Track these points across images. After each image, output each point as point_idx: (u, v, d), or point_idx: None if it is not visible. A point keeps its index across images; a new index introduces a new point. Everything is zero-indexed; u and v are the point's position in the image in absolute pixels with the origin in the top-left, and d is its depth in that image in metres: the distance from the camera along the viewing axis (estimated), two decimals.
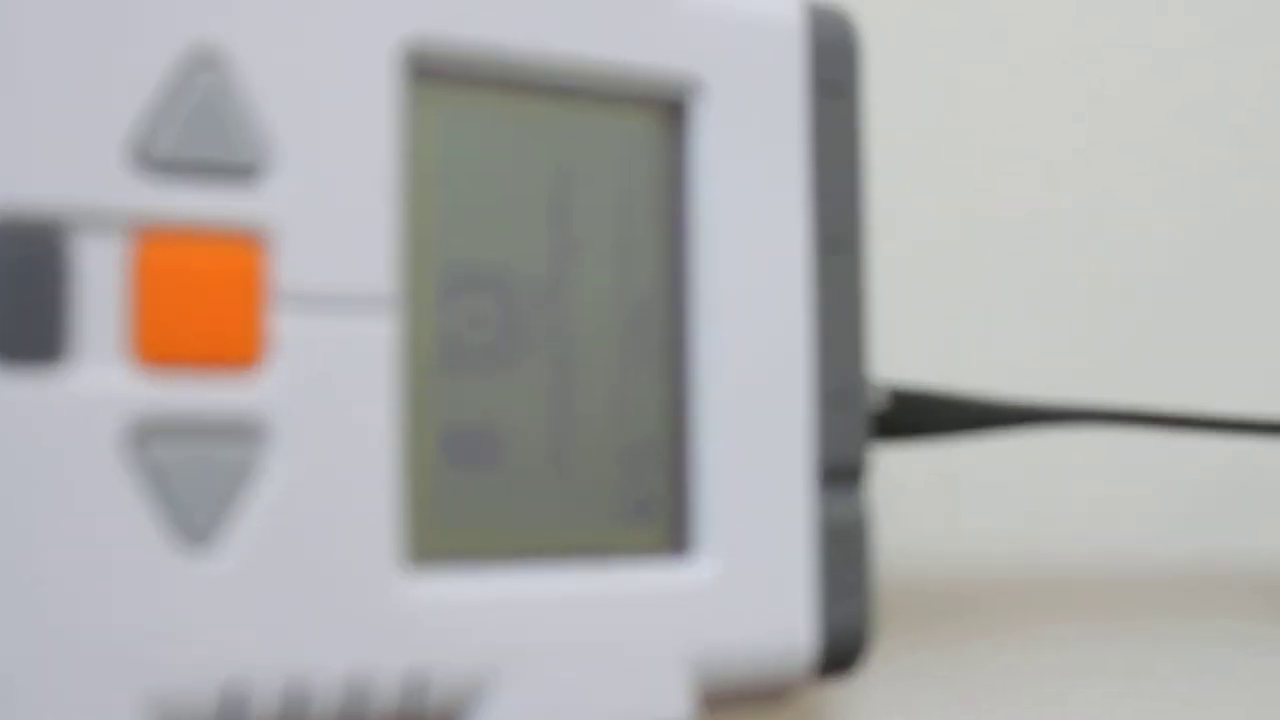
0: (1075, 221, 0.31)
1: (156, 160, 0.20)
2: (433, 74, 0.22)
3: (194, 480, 0.20)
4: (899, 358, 0.29)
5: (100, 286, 0.20)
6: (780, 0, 0.24)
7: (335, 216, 0.21)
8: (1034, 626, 0.30)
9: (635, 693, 0.22)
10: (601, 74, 0.23)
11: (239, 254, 0.20)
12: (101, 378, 0.19)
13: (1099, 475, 0.31)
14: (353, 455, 0.21)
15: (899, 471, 0.30)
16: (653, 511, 0.23)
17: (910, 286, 0.30)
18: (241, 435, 0.20)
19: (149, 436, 0.20)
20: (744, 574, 0.23)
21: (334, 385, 0.21)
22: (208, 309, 0.20)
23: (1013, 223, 0.31)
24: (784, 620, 0.24)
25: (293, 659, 0.20)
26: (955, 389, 0.26)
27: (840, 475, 0.25)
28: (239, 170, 0.20)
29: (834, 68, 0.25)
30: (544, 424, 0.23)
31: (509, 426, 0.22)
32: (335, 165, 0.21)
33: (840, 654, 0.24)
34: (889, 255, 0.29)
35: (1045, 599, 0.31)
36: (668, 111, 0.24)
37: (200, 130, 0.20)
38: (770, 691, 0.24)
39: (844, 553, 0.24)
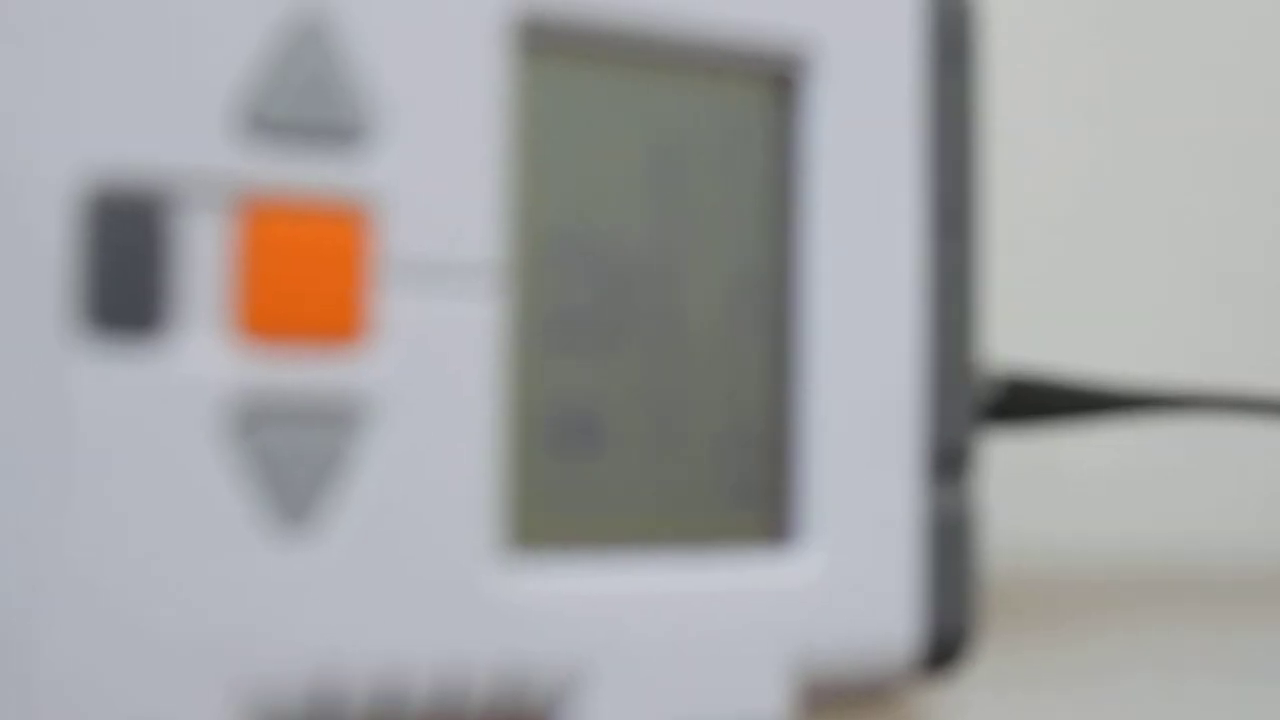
0: (1202, 206, 0.30)
1: (261, 126, 0.19)
2: (541, 42, 0.21)
3: (294, 462, 0.19)
4: (1016, 339, 0.28)
5: (202, 258, 0.19)
6: None
7: (443, 186, 0.20)
8: (1145, 627, 0.30)
9: (733, 689, 0.22)
10: (713, 44, 0.22)
11: (345, 226, 0.19)
12: (202, 354, 0.19)
13: (1219, 466, 0.30)
14: (455, 438, 0.20)
15: (1012, 461, 0.29)
16: (755, 499, 0.22)
17: (1029, 266, 0.29)
18: (344, 415, 0.19)
19: (249, 415, 0.19)
20: (846, 566, 0.23)
21: (440, 364, 0.20)
22: (312, 283, 0.19)
23: (1136, 203, 0.30)
24: (886, 615, 0.23)
25: (388, 648, 0.19)
26: (1069, 373, 0.25)
27: (948, 464, 0.24)
28: (346, 138, 0.19)
29: (952, 37, 0.24)
30: (646, 406, 0.22)
31: (611, 409, 0.21)
32: (443, 134, 0.20)
33: (943, 652, 0.23)
34: (1008, 234, 0.28)
35: (1158, 598, 0.30)
36: (779, 82, 0.23)
37: (306, 96, 0.19)
38: (870, 689, 0.23)
39: (949, 545, 0.23)
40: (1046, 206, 0.29)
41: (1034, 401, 0.25)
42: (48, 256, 0.18)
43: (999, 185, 0.29)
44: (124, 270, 0.18)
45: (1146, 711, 0.29)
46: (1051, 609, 0.29)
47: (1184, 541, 0.30)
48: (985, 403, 0.25)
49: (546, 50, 0.21)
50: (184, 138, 0.18)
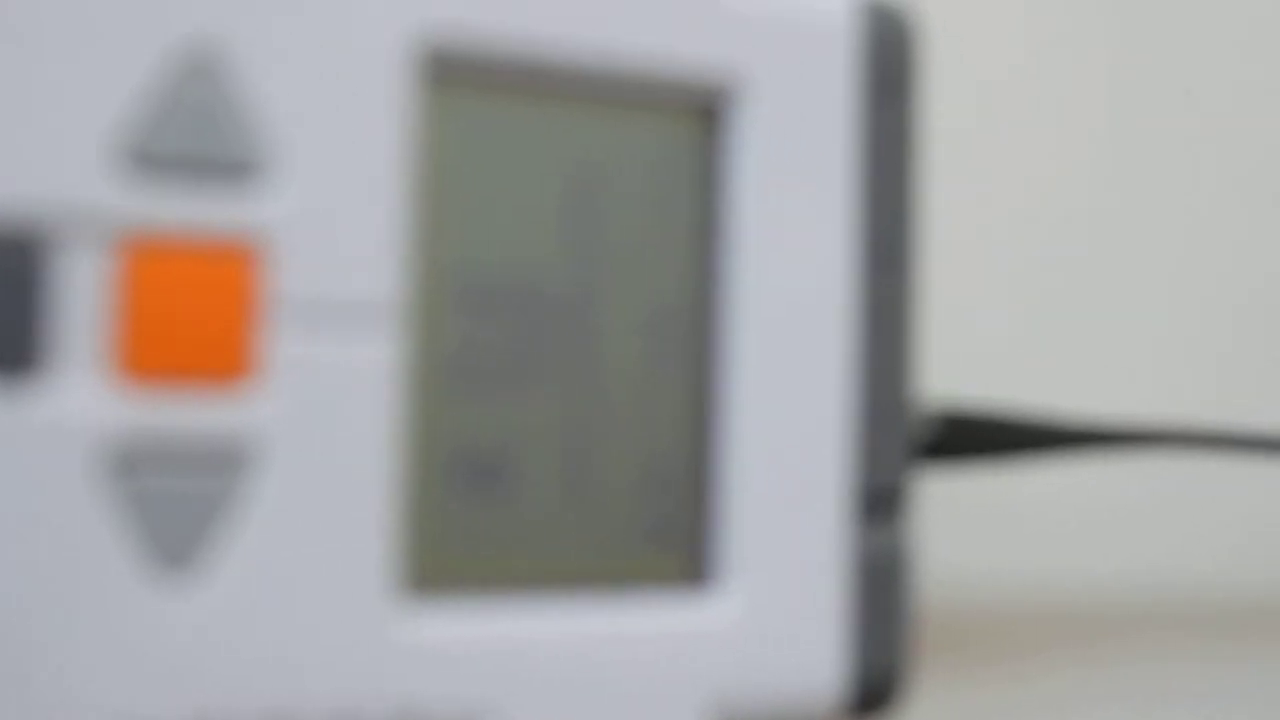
0: (1161, 232, 0.30)
1: (144, 162, 0.18)
2: (449, 73, 0.20)
3: (175, 506, 0.19)
4: (958, 374, 0.28)
5: (81, 297, 0.18)
6: None
7: (340, 224, 0.19)
8: (1100, 662, 0.29)
9: None
10: (632, 76, 0.21)
11: (232, 264, 0.19)
12: (79, 396, 0.18)
13: (1175, 501, 0.29)
14: (348, 481, 0.19)
15: (956, 496, 0.28)
16: (673, 540, 0.22)
17: (975, 298, 0.28)
18: (229, 458, 0.19)
19: (129, 457, 0.18)
20: (767, 608, 0.22)
21: (332, 405, 0.19)
22: (197, 323, 0.19)
23: (1089, 233, 0.29)
24: (810, 658, 0.22)
25: (279, 694, 0.19)
26: (1012, 407, 0.25)
27: (879, 503, 0.23)
28: (233, 173, 0.19)
29: (888, 70, 0.23)
30: (560, 447, 0.21)
31: (522, 450, 0.21)
32: (341, 170, 0.19)
33: (873, 695, 0.23)
34: (952, 265, 0.28)
35: (1114, 633, 0.29)
36: (702, 116, 0.22)
37: (192, 130, 0.19)
38: None
39: (879, 586, 0.23)
40: (1016, 240, 0.29)
41: (975, 438, 0.24)
42: None
43: (965, 212, 0.28)
44: None
45: None
46: (1006, 645, 0.28)
47: (1141, 577, 0.30)
48: (921, 440, 0.24)
49: (455, 83, 0.21)
50: (61, 174, 0.18)
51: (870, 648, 0.23)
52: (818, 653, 0.22)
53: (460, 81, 0.21)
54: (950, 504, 0.28)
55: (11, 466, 0.18)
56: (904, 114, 0.23)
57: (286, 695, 0.19)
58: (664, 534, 0.22)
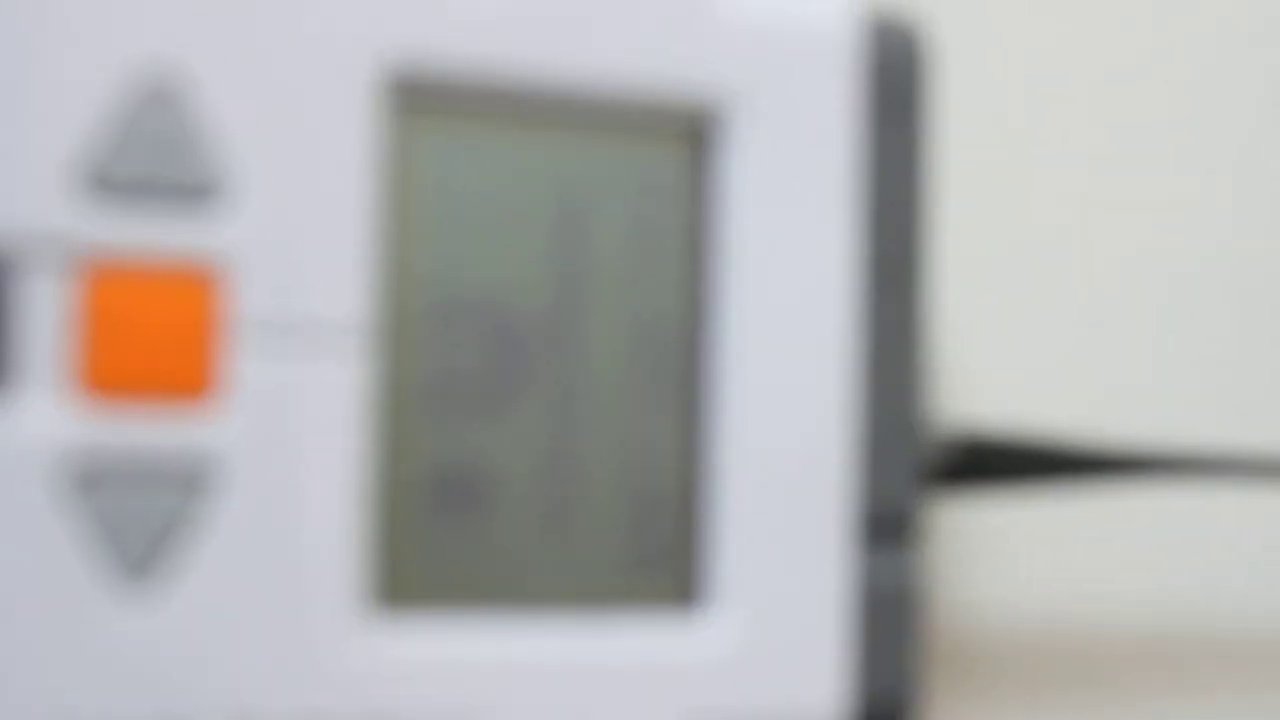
0: (1189, 255, 0.29)
1: (105, 184, 0.19)
2: (418, 92, 0.21)
3: (136, 523, 0.19)
4: (980, 397, 0.27)
5: (41, 319, 0.19)
6: (833, 11, 0.22)
7: (303, 245, 0.20)
8: (1116, 699, 0.28)
9: None
10: (617, 95, 0.21)
11: (193, 286, 0.19)
12: (43, 414, 0.19)
13: (1200, 531, 0.28)
14: (313, 500, 0.19)
15: (980, 521, 0.27)
16: (662, 566, 0.22)
17: (995, 320, 0.28)
18: (190, 475, 0.19)
19: (91, 476, 0.19)
20: (763, 638, 0.22)
21: (295, 425, 0.19)
22: (158, 344, 0.19)
23: (1116, 253, 0.28)
24: (808, 691, 0.22)
25: (237, 707, 0.19)
26: (1030, 431, 0.24)
27: (886, 530, 0.23)
28: (195, 195, 0.19)
29: (893, 87, 0.23)
30: (542, 468, 0.21)
31: (502, 470, 0.21)
32: (303, 191, 0.20)
33: None
34: (967, 280, 0.27)
35: (1141, 666, 0.28)
36: (693, 136, 0.22)
37: (152, 153, 0.19)
38: None
39: (885, 617, 0.22)
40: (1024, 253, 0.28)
41: (994, 462, 0.24)
42: None
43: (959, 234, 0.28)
44: None
45: None
46: (1037, 678, 0.28)
47: (1172, 606, 0.28)
48: (934, 465, 0.24)
49: (424, 99, 0.21)
50: (24, 198, 0.18)
51: (874, 683, 0.22)
52: (815, 683, 0.22)
53: (429, 104, 0.21)
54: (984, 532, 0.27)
55: None
56: (911, 130, 0.23)
57: (251, 711, 0.19)
58: (653, 555, 0.22)
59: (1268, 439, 0.28)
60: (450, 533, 0.21)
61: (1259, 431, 0.29)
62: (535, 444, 0.21)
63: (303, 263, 0.20)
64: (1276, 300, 0.29)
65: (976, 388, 0.27)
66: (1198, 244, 0.29)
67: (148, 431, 0.19)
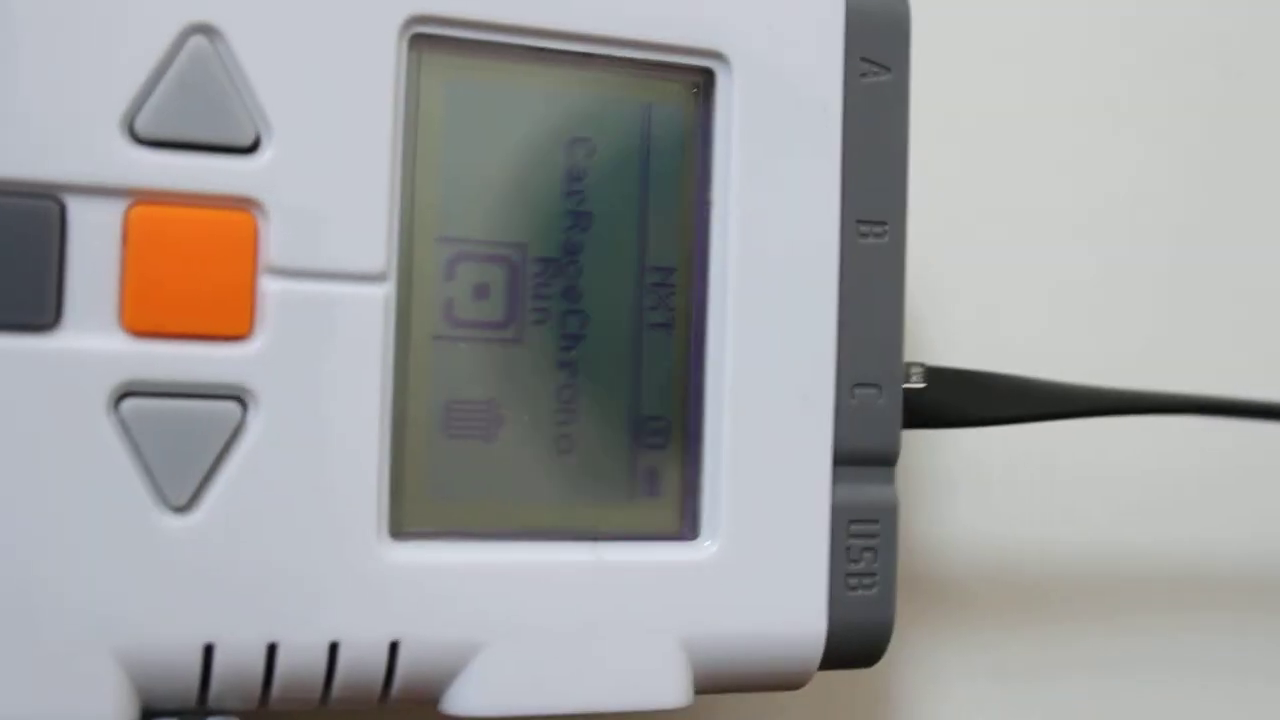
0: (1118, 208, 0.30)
1: (151, 133, 0.20)
2: (436, 44, 0.22)
3: (175, 441, 0.20)
4: (947, 343, 0.29)
5: (94, 254, 0.20)
6: None
7: (330, 188, 0.21)
8: (1121, 629, 0.30)
9: (628, 672, 0.22)
10: (622, 43, 0.23)
11: (229, 223, 0.21)
12: (91, 341, 0.20)
13: (1150, 464, 0.30)
14: (338, 424, 0.21)
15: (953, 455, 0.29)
16: (660, 491, 0.23)
17: (959, 269, 0.29)
18: (224, 399, 0.20)
19: (133, 398, 0.20)
20: (752, 557, 0.23)
21: (321, 354, 0.21)
22: (197, 277, 0.20)
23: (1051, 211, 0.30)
24: (795, 607, 0.23)
25: (270, 620, 0.21)
26: (996, 372, 0.26)
27: (866, 461, 0.24)
28: (233, 143, 0.21)
29: (877, 41, 0.24)
30: (549, 398, 0.22)
31: (511, 399, 0.22)
32: (331, 138, 0.21)
33: (856, 645, 0.24)
34: (939, 236, 0.29)
35: (1093, 592, 0.30)
36: (692, 82, 0.23)
37: (194, 105, 0.20)
38: (784, 680, 0.24)
39: (865, 541, 0.24)
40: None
41: (962, 400, 0.25)
42: None
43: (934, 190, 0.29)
44: (20, 266, 0.20)
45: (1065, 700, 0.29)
46: (1020, 605, 0.29)
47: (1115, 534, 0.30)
48: (910, 401, 0.25)
49: (442, 50, 0.22)
50: (77, 144, 0.20)
51: (855, 601, 0.24)
52: (801, 602, 0.23)
53: (448, 50, 0.22)
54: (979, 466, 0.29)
55: (30, 402, 0.20)
56: (893, 84, 0.24)
57: (281, 620, 0.20)
58: (651, 485, 0.23)
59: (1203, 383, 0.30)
60: (460, 460, 0.22)
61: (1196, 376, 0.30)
62: (542, 376, 0.22)
63: (330, 208, 0.21)
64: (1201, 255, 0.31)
65: (954, 334, 0.29)
66: (1170, 209, 0.31)
67: (186, 360, 0.20)
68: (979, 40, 0.30)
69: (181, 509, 0.20)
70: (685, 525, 0.23)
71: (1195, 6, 0.32)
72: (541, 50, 0.22)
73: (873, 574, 0.24)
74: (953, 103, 0.30)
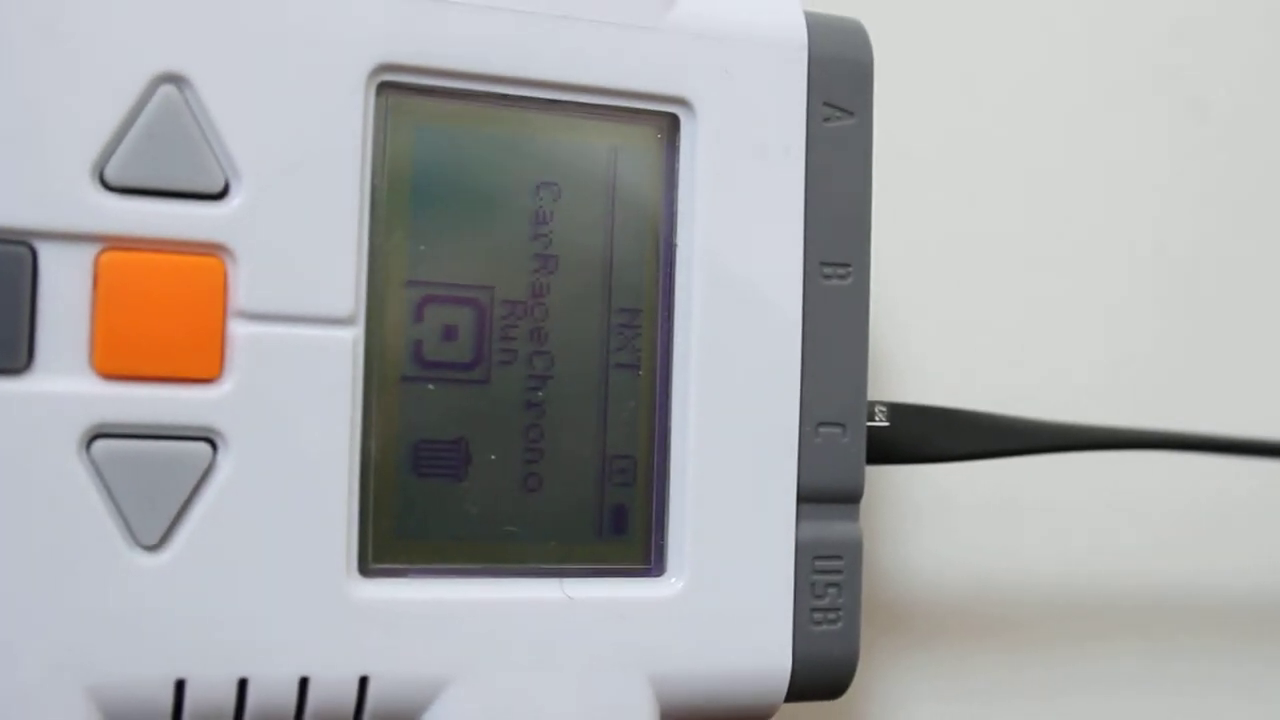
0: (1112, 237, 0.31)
1: (121, 181, 0.21)
2: (404, 91, 0.22)
3: (146, 482, 0.21)
4: (915, 379, 0.29)
5: (65, 299, 0.21)
6: (785, 13, 0.24)
7: (299, 233, 0.21)
8: (1082, 651, 0.30)
9: (595, 707, 0.23)
10: (587, 90, 0.23)
11: (199, 268, 0.21)
12: (63, 384, 0.20)
13: (1116, 501, 0.30)
14: (308, 464, 0.21)
15: (949, 490, 0.29)
16: (626, 528, 0.23)
17: (930, 305, 0.30)
18: (194, 440, 0.21)
19: (105, 439, 0.20)
20: (718, 593, 0.23)
21: (291, 395, 0.21)
22: (167, 321, 0.21)
23: (1023, 238, 0.30)
24: (760, 642, 0.24)
25: (241, 658, 0.21)
26: (960, 408, 0.26)
27: (830, 498, 0.24)
28: (202, 189, 0.21)
29: (840, 86, 0.25)
30: (517, 437, 0.23)
31: (479, 439, 0.23)
32: (300, 184, 0.21)
33: (821, 679, 0.24)
34: (910, 271, 0.29)
35: (1094, 622, 0.30)
36: (657, 127, 0.24)
37: (164, 152, 0.21)
38: (750, 713, 0.24)
39: (829, 576, 0.24)
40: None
41: (927, 436, 0.26)
42: None
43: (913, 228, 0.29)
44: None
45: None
46: (966, 631, 0.30)
47: (1086, 568, 0.30)
48: (875, 438, 0.25)
49: (410, 98, 0.22)
50: (49, 192, 0.20)
51: (819, 635, 0.24)
52: (766, 636, 0.24)
53: (415, 98, 0.22)
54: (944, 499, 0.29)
55: (3, 443, 0.20)
56: (856, 127, 0.25)
57: (251, 657, 0.21)
58: (618, 523, 0.23)
59: (1177, 419, 0.30)
60: (429, 498, 0.22)
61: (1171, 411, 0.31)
62: (510, 415, 0.23)
63: (299, 252, 0.21)
64: (1196, 295, 0.31)
65: (920, 373, 0.29)
66: (1131, 241, 0.31)
67: (157, 402, 0.21)
68: (943, 74, 0.30)
69: (153, 548, 0.21)
70: (652, 562, 0.24)
71: (1159, 38, 0.32)
72: (508, 96, 0.23)
73: (837, 609, 0.24)
74: (914, 136, 0.30)
